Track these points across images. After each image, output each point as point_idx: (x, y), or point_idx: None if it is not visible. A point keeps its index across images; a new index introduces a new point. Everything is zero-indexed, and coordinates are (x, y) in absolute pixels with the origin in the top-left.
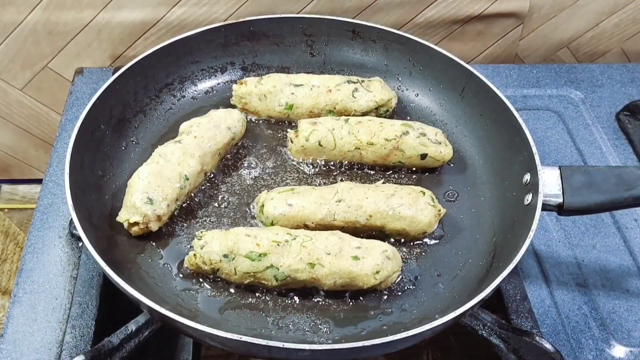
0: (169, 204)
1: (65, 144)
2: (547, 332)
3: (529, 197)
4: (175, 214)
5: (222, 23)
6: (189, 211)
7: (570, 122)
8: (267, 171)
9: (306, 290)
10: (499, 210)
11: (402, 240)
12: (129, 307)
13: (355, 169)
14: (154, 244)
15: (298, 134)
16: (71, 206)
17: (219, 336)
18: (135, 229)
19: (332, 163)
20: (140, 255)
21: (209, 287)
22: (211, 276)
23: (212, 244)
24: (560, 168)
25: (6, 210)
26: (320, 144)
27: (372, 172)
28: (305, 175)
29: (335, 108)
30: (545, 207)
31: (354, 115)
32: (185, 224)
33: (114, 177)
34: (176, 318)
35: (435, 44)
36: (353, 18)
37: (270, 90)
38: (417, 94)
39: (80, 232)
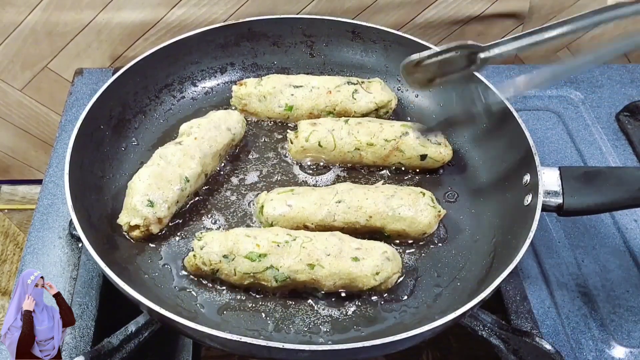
0: (169, 206)
1: (65, 144)
2: (547, 333)
3: (528, 198)
4: (175, 215)
5: (221, 24)
6: (188, 212)
7: (570, 122)
8: (267, 172)
9: (306, 291)
10: (498, 211)
11: (402, 241)
12: (128, 308)
13: (355, 170)
14: (153, 245)
15: (298, 134)
16: (71, 207)
17: (219, 337)
18: (136, 232)
19: (332, 164)
20: (140, 256)
21: (208, 287)
22: (211, 277)
23: (211, 245)
24: (560, 169)
25: (6, 210)
26: (320, 145)
27: (372, 173)
28: (305, 176)
29: (335, 109)
30: (545, 207)
31: (354, 116)
32: (185, 225)
33: (113, 177)
34: (176, 319)
35: (435, 45)
36: (353, 19)
37: (270, 92)
38: (417, 95)
39: (80, 232)
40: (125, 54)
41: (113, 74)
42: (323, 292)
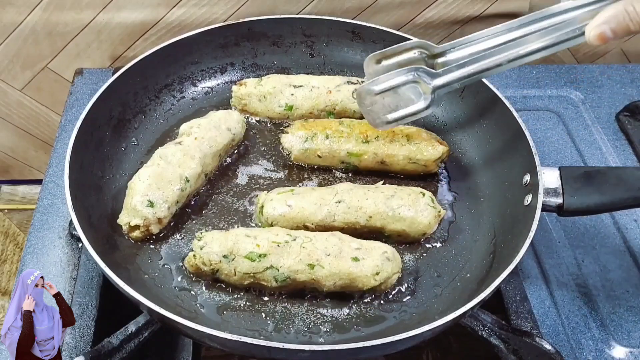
0: (169, 207)
1: (65, 144)
2: (547, 333)
3: (528, 198)
4: (175, 215)
5: (222, 24)
6: (188, 212)
7: (570, 122)
8: (267, 172)
9: (306, 291)
10: (498, 211)
11: (402, 241)
12: (128, 308)
13: (355, 169)
14: (153, 245)
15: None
16: (71, 207)
17: (219, 337)
18: (136, 233)
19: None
20: (140, 256)
21: (208, 288)
22: (211, 277)
23: (211, 245)
24: (560, 169)
25: (6, 210)
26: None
27: (372, 173)
28: (305, 176)
29: (335, 109)
30: (545, 207)
31: (353, 116)
32: (185, 225)
33: (113, 177)
34: (176, 319)
35: (437, 44)
36: (353, 19)
37: (270, 92)
38: None
39: (79, 232)
40: (125, 54)
41: (113, 74)
42: (323, 292)
